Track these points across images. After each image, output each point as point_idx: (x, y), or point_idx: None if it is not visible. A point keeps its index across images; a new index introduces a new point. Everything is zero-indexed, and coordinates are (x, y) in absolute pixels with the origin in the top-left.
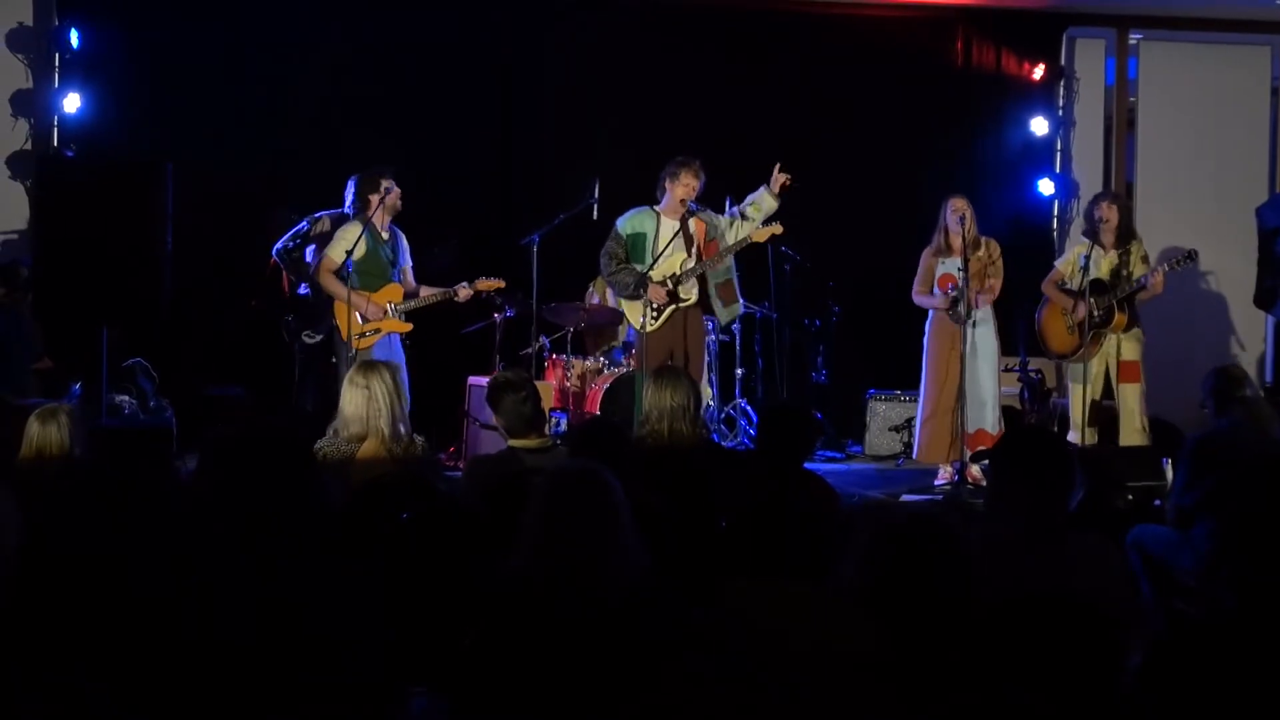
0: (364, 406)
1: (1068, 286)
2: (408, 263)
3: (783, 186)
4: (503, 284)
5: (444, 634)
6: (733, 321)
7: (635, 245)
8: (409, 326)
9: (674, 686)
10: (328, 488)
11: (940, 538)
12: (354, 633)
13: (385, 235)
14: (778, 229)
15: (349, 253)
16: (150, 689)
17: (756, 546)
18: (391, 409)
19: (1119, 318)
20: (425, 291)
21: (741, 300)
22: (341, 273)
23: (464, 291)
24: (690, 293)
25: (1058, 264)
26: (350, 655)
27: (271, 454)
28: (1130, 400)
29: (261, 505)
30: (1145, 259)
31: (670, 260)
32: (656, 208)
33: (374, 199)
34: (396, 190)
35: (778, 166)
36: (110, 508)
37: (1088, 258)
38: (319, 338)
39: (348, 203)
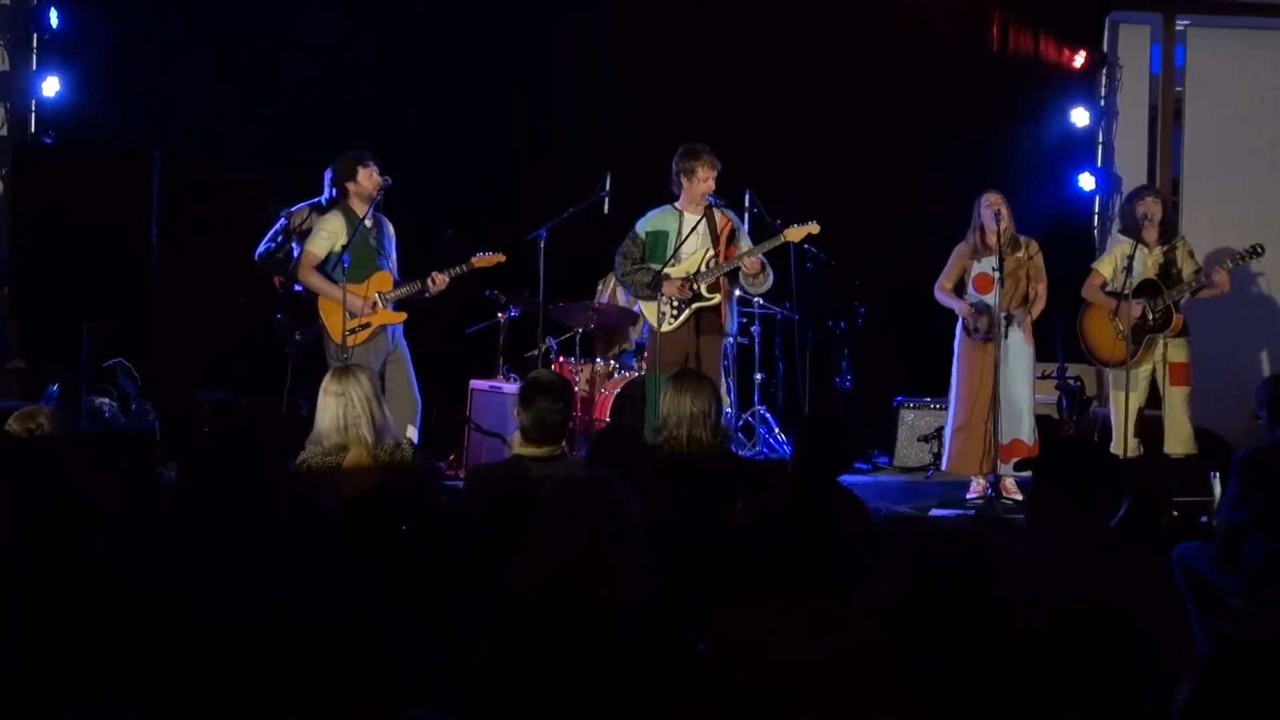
0: (342, 416)
1: (1111, 289)
2: (393, 253)
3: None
4: (503, 258)
5: (447, 649)
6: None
7: (656, 244)
8: (402, 317)
9: (683, 701)
10: (317, 497)
11: (979, 554)
12: (346, 645)
13: (369, 223)
14: (814, 228)
15: (345, 245)
16: (142, 691)
17: (782, 561)
18: (371, 415)
19: (1177, 319)
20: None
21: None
22: (328, 267)
23: (440, 278)
24: (713, 292)
25: (1097, 265)
26: (345, 668)
27: (247, 458)
28: (1178, 405)
29: (243, 512)
30: (1192, 254)
31: (693, 256)
32: (676, 204)
33: (351, 186)
34: (370, 173)
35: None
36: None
37: (1131, 258)
38: (311, 338)
39: (327, 192)
